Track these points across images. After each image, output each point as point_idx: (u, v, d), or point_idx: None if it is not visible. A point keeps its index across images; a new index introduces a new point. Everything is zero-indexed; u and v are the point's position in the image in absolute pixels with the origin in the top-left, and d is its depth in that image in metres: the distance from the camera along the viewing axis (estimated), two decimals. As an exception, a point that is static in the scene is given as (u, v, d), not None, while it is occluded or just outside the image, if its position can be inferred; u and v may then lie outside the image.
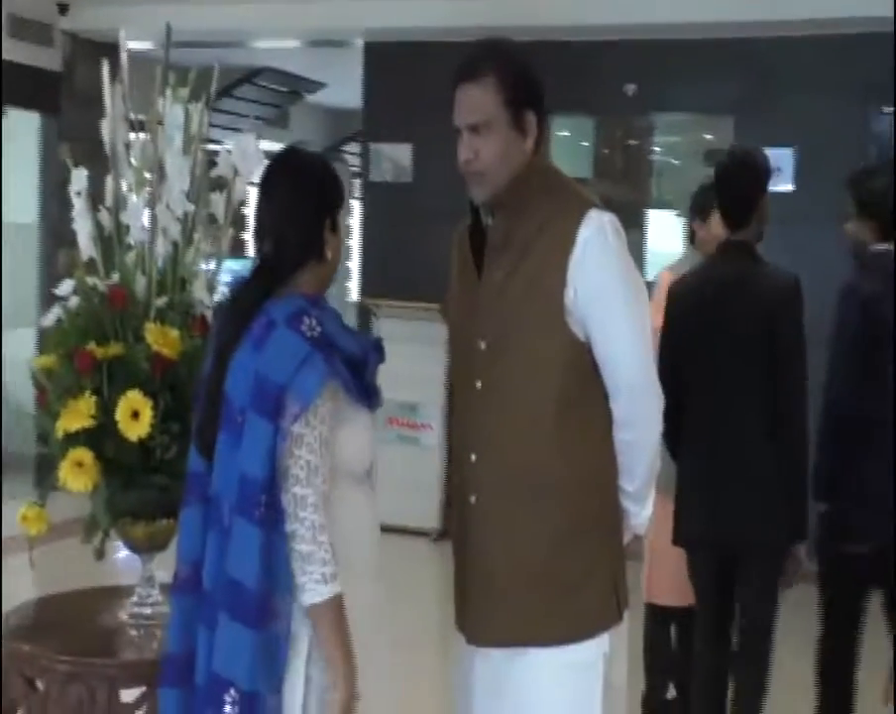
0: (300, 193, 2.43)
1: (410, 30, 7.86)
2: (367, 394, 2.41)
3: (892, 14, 6.64)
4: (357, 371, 2.38)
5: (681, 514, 3.85)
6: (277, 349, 2.30)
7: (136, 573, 2.99)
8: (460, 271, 2.74)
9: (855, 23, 6.92)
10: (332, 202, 2.47)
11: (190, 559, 2.44)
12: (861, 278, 3.91)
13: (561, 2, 7.08)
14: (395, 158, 8.25)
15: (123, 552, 3.01)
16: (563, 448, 2.54)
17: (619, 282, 2.54)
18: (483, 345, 2.58)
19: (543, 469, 2.55)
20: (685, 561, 3.96)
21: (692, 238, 4.81)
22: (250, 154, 2.84)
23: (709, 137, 12.07)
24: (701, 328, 3.82)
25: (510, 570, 2.58)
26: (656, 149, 12.19)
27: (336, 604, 2.27)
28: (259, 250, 2.45)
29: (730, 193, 3.88)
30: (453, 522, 2.74)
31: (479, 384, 2.60)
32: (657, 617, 4.57)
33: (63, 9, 8.39)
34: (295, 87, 11.67)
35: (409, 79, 8.12)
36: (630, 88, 7.62)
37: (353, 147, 12.83)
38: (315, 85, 11.76)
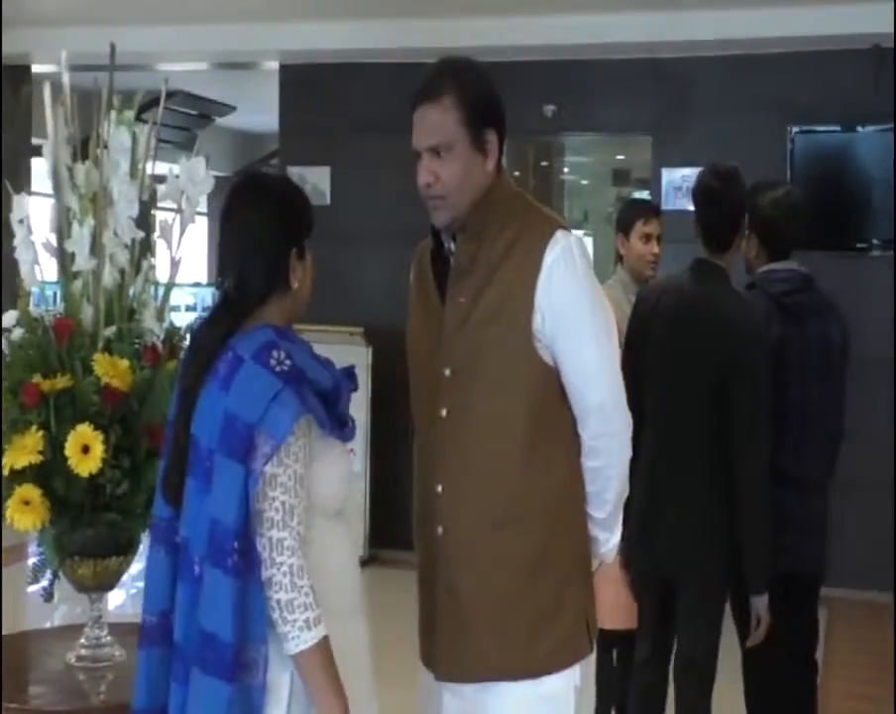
0: (262, 220, 2.31)
1: (326, 51, 7.80)
2: (340, 425, 2.32)
3: (806, 33, 6.82)
4: (329, 402, 2.29)
5: (627, 539, 3.81)
6: (245, 386, 2.18)
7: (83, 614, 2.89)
8: (420, 295, 2.67)
9: (773, 43, 7.05)
10: (298, 228, 2.35)
11: (158, 609, 2.33)
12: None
13: (480, 23, 7.08)
14: (313, 181, 8.17)
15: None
16: (532, 476, 2.50)
17: (587, 304, 2.50)
18: (447, 372, 2.52)
19: (511, 500, 2.50)
20: (626, 585, 3.93)
21: (620, 258, 4.81)
22: (199, 178, 2.77)
23: (620, 157, 12.26)
24: (654, 355, 3.72)
25: (480, 604, 2.52)
26: (566, 169, 12.35)
27: (323, 647, 2.17)
28: (220, 285, 2.34)
29: (712, 216, 3.68)
30: (417, 554, 2.67)
31: (444, 412, 2.53)
32: (599, 641, 4.54)
33: (-33, 31, 8.17)
34: (205, 110, 11.53)
35: (326, 101, 8.07)
36: (550, 109, 7.66)
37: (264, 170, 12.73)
38: (225, 108, 11.65)
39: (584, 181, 13.76)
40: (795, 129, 7.24)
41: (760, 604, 3.60)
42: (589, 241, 12.17)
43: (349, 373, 2.39)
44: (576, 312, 2.48)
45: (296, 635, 2.15)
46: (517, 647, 2.52)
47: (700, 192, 3.73)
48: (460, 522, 2.53)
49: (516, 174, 9.45)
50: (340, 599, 2.31)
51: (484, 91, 2.52)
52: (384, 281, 7.73)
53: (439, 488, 2.54)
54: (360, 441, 7.74)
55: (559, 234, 2.49)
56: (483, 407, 2.50)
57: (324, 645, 2.17)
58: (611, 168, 13.04)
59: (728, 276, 3.72)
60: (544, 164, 10.98)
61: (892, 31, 6.35)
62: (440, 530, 2.55)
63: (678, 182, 7.53)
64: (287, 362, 2.20)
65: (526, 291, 2.46)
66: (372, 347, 7.66)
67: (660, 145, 7.64)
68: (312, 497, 2.24)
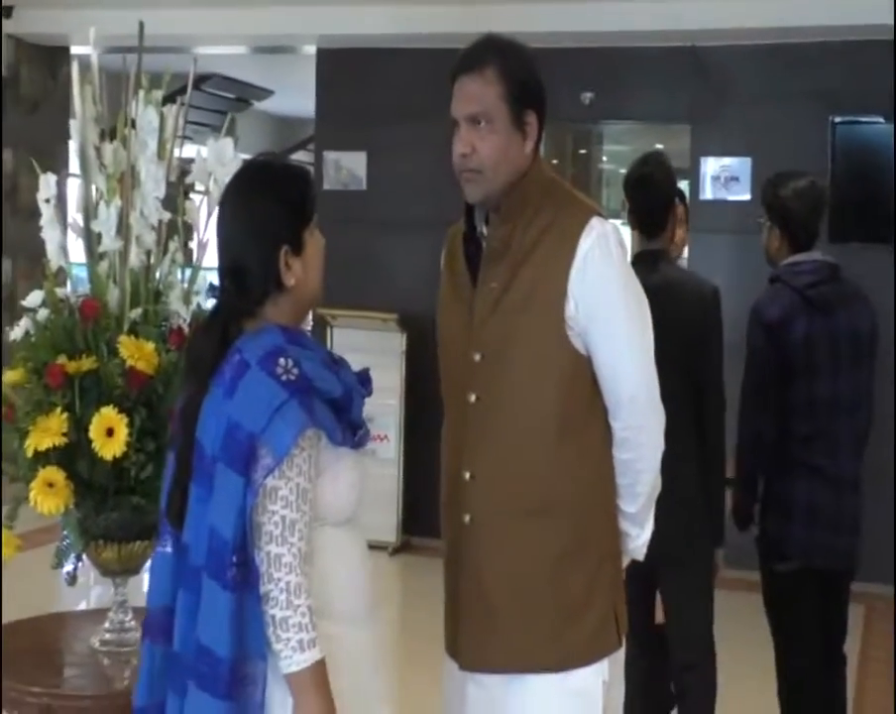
0: (249, 215, 2.19)
1: (364, 36, 7.76)
2: (352, 432, 2.23)
3: (847, 23, 6.70)
4: (340, 410, 2.19)
5: None
6: (249, 394, 2.09)
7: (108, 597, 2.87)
8: (451, 279, 2.62)
9: (813, 32, 6.94)
10: (291, 222, 2.21)
11: (161, 604, 2.25)
12: (766, 299, 3.82)
13: (518, 9, 7.01)
14: (349, 166, 8.14)
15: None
16: (562, 467, 2.45)
17: (622, 293, 2.45)
18: (477, 357, 2.48)
19: (542, 488, 2.45)
20: None
21: None
22: (227, 159, 2.73)
23: (658, 146, 12.14)
24: None
25: (507, 594, 2.48)
26: (604, 158, 12.25)
27: (316, 671, 2.08)
28: (217, 288, 2.26)
29: (646, 200, 3.77)
30: (444, 542, 2.62)
31: (473, 397, 2.49)
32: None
33: (8, 12, 8.19)
34: (243, 94, 11.54)
35: (363, 86, 8.03)
36: (587, 97, 7.58)
37: (301, 155, 12.72)
38: (263, 92, 11.64)
39: (622, 170, 13.63)
40: (836, 119, 7.13)
41: (719, 555, 3.77)
42: (626, 230, 12.04)
43: (363, 377, 2.31)
44: (610, 301, 2.43)
45: (289, 654, 2.07)
46: (544, 639, 2.47)
47: (630, 180, 3.81)
48: (488, 510, 2.48)
49: (554, 161, 9.39)
50: (348, 605, 2.23)
51: (527, 71, 2.48)
52: (419, 267, 7.67)
53: (467, 475, 2.50)
54: (393, 428, 7.73)
55: (595, 221, 2.43)
56: (513, 393, 2.46)
57: (317, 669, 2.08)
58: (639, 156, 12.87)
59: (669, 256, 3.81)
60: (582, 152, 10.89)
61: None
62: (467, 517, 2.51)
63: (717, 172, 7.44)
64: (295, 371, 2.10)
65: (560, 277, 2.41)
66: (406, 334, 7.63)
67: (699, 134, 7.55)
68: (321, 508, 2.16)
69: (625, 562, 2.64)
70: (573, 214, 2.46)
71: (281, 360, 2.11)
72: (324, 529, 2.18)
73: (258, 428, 2.06)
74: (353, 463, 2.24)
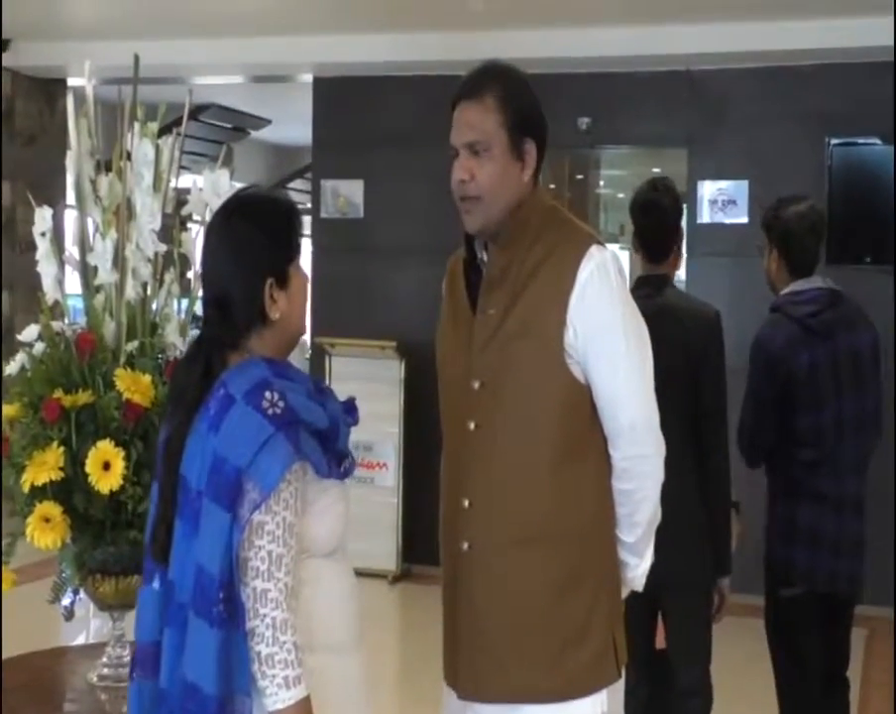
0: (234, 248, 2.18)
1: (361, 64, 7.79)
2: (338, 463, 2.22)
3: (844, 45, 6.72)
4: (326, 441, 2.19)
5: None
6: (235, 429, 2.07)
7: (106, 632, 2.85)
8: (452, 304, 2.62)
9: (809, 55, 6.96)
10: (277, 255, 2.20)
11: (150, 639, 2.23)
12: (768, 331, 3.82)
13: (515, 36, 7.03)
14: (347, 194, 8.15)
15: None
16: (560, 495, 2.44)
17: (621, 321, 2.44)
18: (476, 385, 2.48)
19: (539, 517, 2.44)
20: None
21: None
22: (223, 189, 2.73)
23: (655, 170, 12.17)
24: None
25: (504, 623, 2.47)
26: (601, 183, 12.27)
27: (301, 708, 2.06)
28: (201, 321, 2.25)
29: (654, 225, 3.76)
30: (442, 570, 2.62)
31: (472, 425, 2.48)
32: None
33: (5, 45, 8.21)
34: (240, 124, 11.56)
35: (360, 114, 8.05)
36: (584, 122, 7.60)
37: (299, 183, 12.75)
38: (260, 122, 11.67)
39: (620, 195, 13.67)
40: (833, 141, 7.14)
41: (726, 584, 3.71)
42: (625, 255, 12.07)
43: (348, 406, 2.29)
44: (609, 330, 2.42)
45: (274, 691, 2.05)
46: (541, 669, 2.46)
47: (637, 205, 3.80)
48: (486, 538, 2.48)
49: (552, 186, 9.41)
50: (336, 636, 2.22)
51: (527, 100, 2.49)
52: (417, 294, 7.69)
53: (465, 503, 2.50)
54: (392, 456, 7.72)
55: (594, 249, 2.43)
56: (511, 421, 2.45)
57: (303, 706, 2.06)
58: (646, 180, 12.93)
59: (672, 282, 3.81)
60: (579, 177, 10.90)
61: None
62: (465, 545, 2.50)
63: (714, 196, 7.45)
64: (281, 404, 2.09)
65: (559, 305, 2.40)
66: (405, 361, 7.63)
67: (696, 157, 7.56)
68: (307, 540, 2.15)
69: (625, 593, 2.62)
70: (572, 242, 2.46)
71: (267, 393, 2.09)
72: (310, 560, 2.17)
73: (244, 463, 2.05)
74: (339, 494, 2.23)
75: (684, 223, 3.97)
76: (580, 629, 2.46)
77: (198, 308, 2.78)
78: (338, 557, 2.26)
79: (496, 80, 2.45)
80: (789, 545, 3.78)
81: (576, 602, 2.46)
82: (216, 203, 2.73)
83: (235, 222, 2.21)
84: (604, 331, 2.41)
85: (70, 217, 2.90)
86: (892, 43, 6.44)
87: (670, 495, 2.58)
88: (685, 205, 7.76)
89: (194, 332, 2.32)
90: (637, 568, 2.59)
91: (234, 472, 2.05)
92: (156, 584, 2.23)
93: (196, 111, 10.50)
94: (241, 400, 2.09)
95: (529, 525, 2.44)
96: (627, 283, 2.51)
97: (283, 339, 2.24)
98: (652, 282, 3.72)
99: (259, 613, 2.05)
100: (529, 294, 2.43)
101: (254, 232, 2.19)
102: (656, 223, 3.76)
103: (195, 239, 2.84)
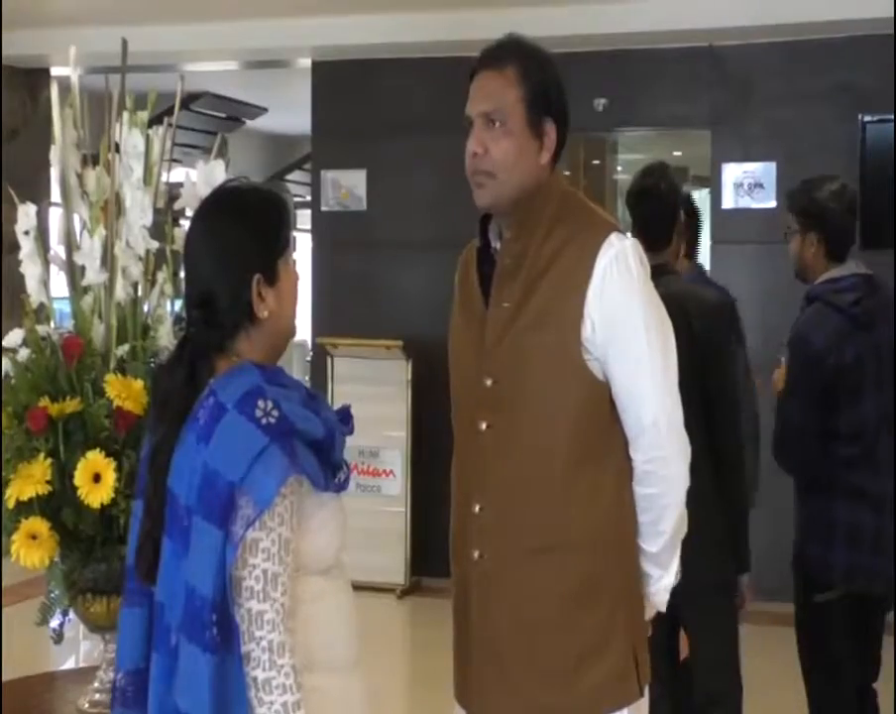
0: (219, 243, 2.17)
1: (361, 47, 7.77)
2: (333, 474, 2.20)
3: (876, 16, 6.68)
4: (321, 452, 2.16)
5: None
6: (226, 440, 2.04)
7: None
8: (463, 299, 2.62)
9: (839, 26, 6.93)
10: (264, 250, 2.19)
11: (133, 668, 2.21)
12: (810, 323, 3.81)
13: (524, 13, 7.00)
14: (348, 185, 8.15)
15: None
16: (576, 500, 2.44)
17: (642, 314, 2.43)
18: (489, 382, 2.48)
19: (553, 523, 2.45)
20: None
21: None
22: (218, 182, 2.71)
23: (677, 153, 12.14)
24: None
25: (516, 637, 2.48)
26: (619, 168, 12.25)
27: None
28: (180, 319, 2.25)
29: (648, 213, 3.77)
30: (452, 580, 2.62)
31: (483, 425, 2.49)
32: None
33: (-17, 34, 8.22)
34: (234, 113, 11.57)
35: (361, 100, 8.04)
36: (600, 103, 7.59)
37: (298, 175, 12.75)
38: (256, 110, 11.67)
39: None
40: (867, 118, 7.11)
41: (745, 582, 3.74)
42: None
43: (344, 415, 2.27)
44: (629, 323, 2.41)
45: None
46: (555, 684, 2.46)
47: (631, 193, 3.83)
48: (497, 545, 2.48)
49: (566, 173, 9.39)
50: (334, 655, 2.21)
51: (550, 78, 2.51)
52: (424, 290, 7.68)
53: (476, 508, 2.50)
54: (399, 463, 7.71)
55: (613, 237, 2.42)
56: (525, 421, 2.45)
57: None
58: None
59: (674, 270, 3.82)
60: (595, 162, 10.88)
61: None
62: (476, 553, 2.50)
63: (739, 179, 7.43)
64: (275, 413, 2.06)
65: (576, 297, 2.40)
66: (412, 361, 7.62)
67: (720, 139, 7.54)
68: (302, 557, 2.13)
69: (650, 613, 2.61)
70: (590, 230, 2.45)
71: (260, 402, 2.07)
72: (306, 578, 2.16)
73: (237, 477, 2.02)
74: (336, 508, 2.22)
75: (707, 208, 3.95)
76: (597, 644, 2.45)
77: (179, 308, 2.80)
78: (335, 574, 2.25)
79: (519, 52, 2.48)
80: (826, 544, 3.78)
81: (593, 615, 2.45)
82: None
83: (219, 215, 2.21)
84: (623, 323, 2.41)
85: (56, 214, 2.89)
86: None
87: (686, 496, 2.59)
88: (708, 190, 7.82)
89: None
90: (660, 580, 2.56)
91: (227, 487, 2.02)
92: (137, 609, 2.21)
93: (188, 100, 10.51)
94: (233, 409, 2.06)
95: (543, 532, 2.44)
96: (649, 273, 2.50)
97: (273, 341, 2.22)
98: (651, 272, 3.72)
99: (254, 636, 2.03)
100: (545, 285, 2.43)
101: (239, 225, 2.18)
102: (651, 210, 3.77)
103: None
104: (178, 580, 2.07)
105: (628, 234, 2.51)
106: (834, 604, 3.77)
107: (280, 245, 2.22)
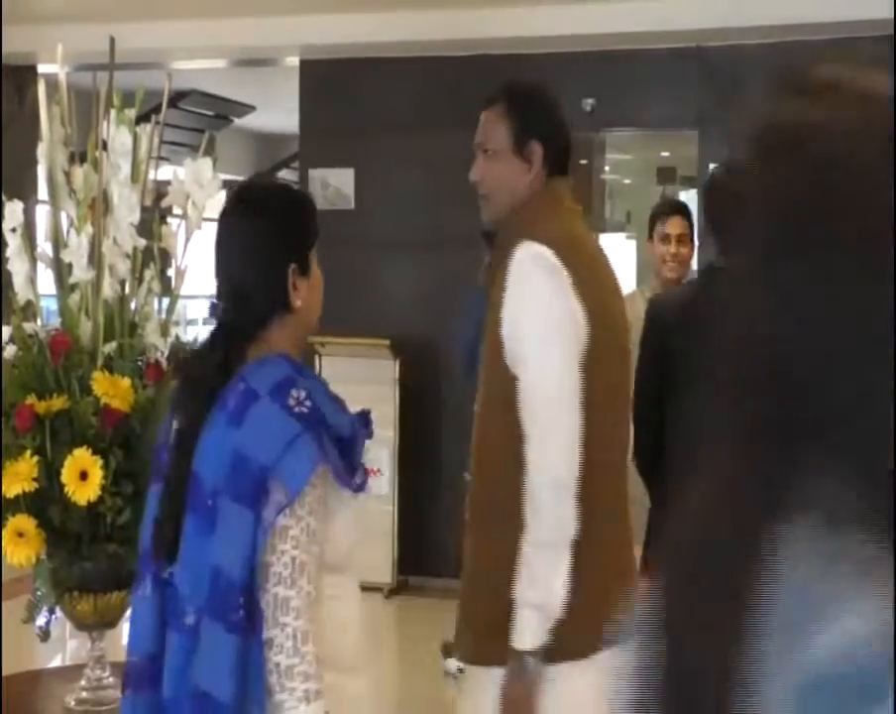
0: (256, 234, 2.25)
1: (350, 45, 7.75)
2: (352, 476, 2.22)
3: (861, 18, 6.71)
4: (344, 450, 2.18)
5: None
6: (259, 425, 2.09)
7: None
8: None
9: (826, 28, 6.94)
10: (298, 241, 2.28)
11: (144, 651, 2.22)
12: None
13: (512, 13, 7.02)
14: (336, 184, 8.14)
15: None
16: (508, 479, 2.53)
17: (532, 317, 2.53)
18: (480, 373, 2.70)
19: (500, 498, 2.58)
20: None
21: None
22: (206, 180, 2.73)
23: (664, 154, 12.18)
24: (678, 364, 3.73)
25: (470, 587, 2.70)
26: (607, 168, 12.27)
27: None
28: (217, 310, 2.27)
29: (723, 211, 3.77)
30: None
31: (475, 408, 2.72)
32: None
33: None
34: (222, 111, 11.56)
35: (350, 99, 8.02)
36: (588, 103, 7.59)
37: (285, 173, 12.74)
38: (244, 108, 11.66)
39: (626, 181, 13.67)
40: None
41: None
42: (632, 244, 12.08)
43: (364, 418, 2.29)
44: (521, 323, 2.56)
45: (294, 705, 2.05)
46: (492, 633, 2.53)
47: (711, 188, 3.71)
48: (475, 510, 2.72)
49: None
50: (345, 654, 2.24)
51: (536, 106, 2.74)
52: (412, 289, 7.69)
53: (467, 476, 2.86)
54: (387, 461, 7.69)
55: (525, 244, 2.55)
56: (480, 410, 2.69)
57: None
58: (655, 165, 12.97)
59: None
60: (583, 162, 10.88)
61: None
62: (468, 515, 2.74)
63: (727, 180, 7.44)
64: (308, 403, 2.10)
65: (500, 300, 2.58)
66: (400, 360, 7.61)
67: (707, 140, 7.54)
68: (323, 552, 2.15)
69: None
70: (519, 241, 2.56)
71: (293, 391, 2.11)
72: (324, 575, 2.17)
73: (270, 462, 2.06)
74: (353, 509, 2.26)
75: (695, 209, 3.94)
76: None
77: (189, 307, 2.82)
78: (346, 574, 2.28)
79: (508, 91, 2.77)
80: None
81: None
82: (198, 195, 2.75)
83: (254, 209, 2.29)
84: (517, 325, 2.54)
85: (43, 212, 2.90)
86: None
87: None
88: (696, 191, 7.85)
89: (191, 329, 2.35)
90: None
91: (259, 471, 2.06)
92: (148, 591, 2.23)
93: (176, 98, 10.49)
94: (266, 396, 2.11)
95: (494, 503, 2.63)
96: (563, 283, 2.52)
97: (301, 332, 2.31)
98: (719, 276, 3.73)
99: (279, 622, 2.06)
100: (494, 291, 2.59)
101: (274, 217, 2.27)
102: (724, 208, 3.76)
103: (176, 233, 2.84)
104: (202, 560, 2.10)
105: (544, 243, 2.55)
106: None
107: (311, 236, 2.31)
